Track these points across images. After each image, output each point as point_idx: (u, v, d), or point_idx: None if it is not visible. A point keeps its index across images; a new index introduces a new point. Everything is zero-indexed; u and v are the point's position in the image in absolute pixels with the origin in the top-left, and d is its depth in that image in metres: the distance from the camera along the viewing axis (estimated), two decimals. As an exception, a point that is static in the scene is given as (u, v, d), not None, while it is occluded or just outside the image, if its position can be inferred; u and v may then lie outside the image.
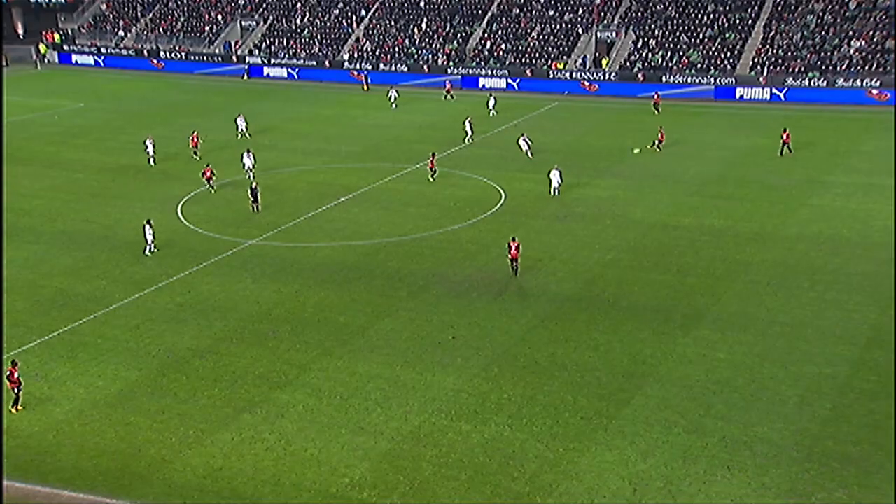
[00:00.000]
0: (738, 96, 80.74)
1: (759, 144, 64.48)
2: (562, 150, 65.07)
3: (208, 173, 55.01)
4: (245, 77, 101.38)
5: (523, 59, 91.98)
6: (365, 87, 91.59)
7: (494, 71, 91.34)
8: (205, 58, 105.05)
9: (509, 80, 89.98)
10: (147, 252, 44.86)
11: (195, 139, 65.01)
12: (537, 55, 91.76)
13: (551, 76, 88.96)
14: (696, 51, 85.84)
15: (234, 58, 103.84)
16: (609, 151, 64.40)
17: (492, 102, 76.94)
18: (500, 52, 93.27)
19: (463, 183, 57.47)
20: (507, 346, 35.24)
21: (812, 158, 60.26)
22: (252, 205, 51.36)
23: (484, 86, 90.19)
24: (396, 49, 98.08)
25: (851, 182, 54.45)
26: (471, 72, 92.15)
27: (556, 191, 52.46)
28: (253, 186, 51.99)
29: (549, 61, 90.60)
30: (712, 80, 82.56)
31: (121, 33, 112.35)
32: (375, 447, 28.88)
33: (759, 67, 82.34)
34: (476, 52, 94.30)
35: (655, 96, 74.75)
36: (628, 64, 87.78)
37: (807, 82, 79.19)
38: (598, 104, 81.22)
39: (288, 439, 29.44)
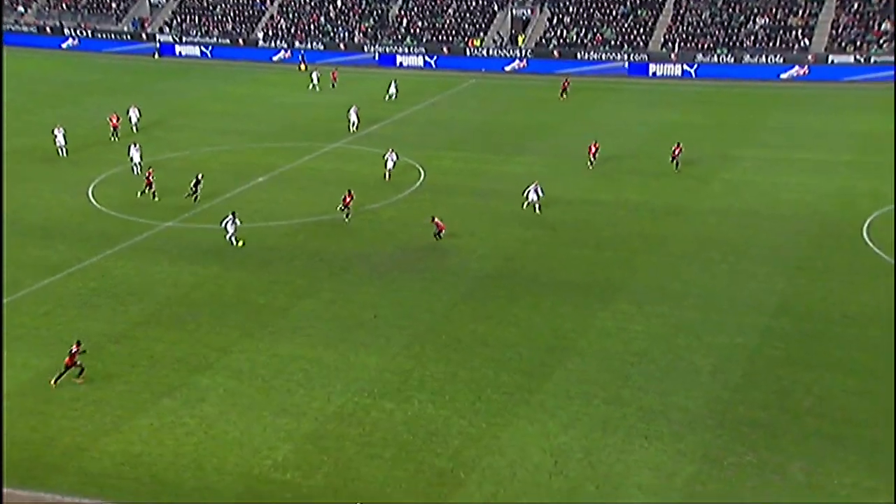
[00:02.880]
0: (650, 73, 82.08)
1: (672, 120, 65.73)
2: (479, 129, 65.34)
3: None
4: (156, 55, 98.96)
5: (440, 37, 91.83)
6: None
7: (411, 49, 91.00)
8: (112, 35, 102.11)
9: (426, 58, 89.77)
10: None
11: (114, 120, 63.06)
12: (454, 32, 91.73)
13: (468, 53, 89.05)
14: (610, 28, 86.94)
15: (144, 36, 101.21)
16: (526, 129, 64.88)
17: (392, 88, 75.87)
18: (417, 30, 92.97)
19: (381, 161, 57.25)
20: (429, 324, 35.37)
21: (722, 133, 61.71)
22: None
23: (401, 63, 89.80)
24: (312, 27, 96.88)
25: (760, 156, 55.97)
26: (388, 50, 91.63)
27: (536, 207, 46.31)
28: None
29: (466, 39, 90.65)
30: (626, 56, 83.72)
31: (20, 9, 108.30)
32: (298, 428, 28.76)
33: (670, 44, 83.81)
34: (393, 29, 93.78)
35: (565, 82, 74.45)
36: (544, 41, 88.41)
37: (716, 58, 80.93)
38: (514, 82, 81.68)
39: (209, 423, 29.09)
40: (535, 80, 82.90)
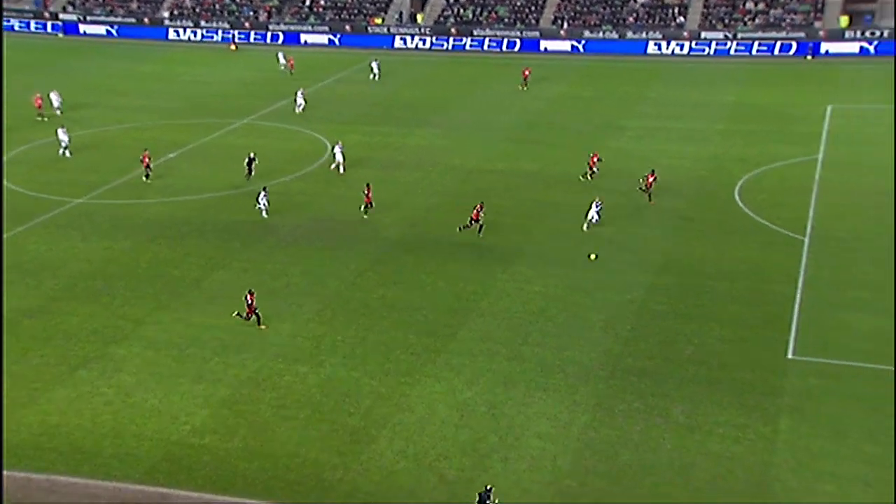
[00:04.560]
0: (542, 48, 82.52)
1: (562, 93, 66.37)
2: (382, 104, 64.77)
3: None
4: (60, 34, 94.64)
5: (342, 16, 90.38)
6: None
7: (315, 27, 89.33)
8: (13, 13, 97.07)
9: (331, 37, 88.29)
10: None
11: (39, 100, 60.12)
12: (356, 11, 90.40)
13: (370, 31, 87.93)
14: (503, 5, 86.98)
15: (47, 14, 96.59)
16: (426, 103, 64.57)
17: (282, 59, 74.86)
18: (320, 9, 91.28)
19: (290, 136, 56.30)
20: (339, 291, 35.11)
21: (608, 105, 62.63)
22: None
23: (306, 42, 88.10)
24: (217, 6, 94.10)
25: (642, 126, 57.04)
26: (292, 28, 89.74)
27: (591, 223, 40.23)
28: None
29: (367, 17, 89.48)
30: (518, 33, 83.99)
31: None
32: (215, 394, 28.27)
33: (559, 21, 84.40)
34: (297, 8, 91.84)
35: (525, 73, 69.26)
36: (442, 19, 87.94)
37: (601, 35, 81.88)
38: (414, 58, 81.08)
39: (127, 392, 28.34)
40: (433, 56, 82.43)
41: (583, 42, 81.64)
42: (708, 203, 43.09)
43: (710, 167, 48.47)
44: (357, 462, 25.16)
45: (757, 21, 78.47)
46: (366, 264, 37.43)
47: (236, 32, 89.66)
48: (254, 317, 32.14)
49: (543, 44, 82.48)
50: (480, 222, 39.57)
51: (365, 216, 41.93)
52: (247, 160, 47.26)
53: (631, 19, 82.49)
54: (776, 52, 75.35)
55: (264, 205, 42.16)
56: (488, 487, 22.39)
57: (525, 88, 65.73)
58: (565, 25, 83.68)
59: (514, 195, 45.35)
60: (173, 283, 35.81)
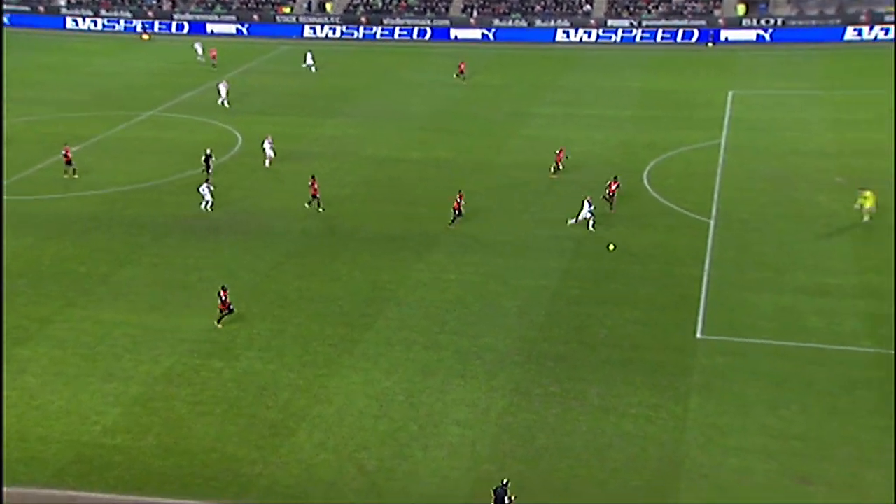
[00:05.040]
0: (452, 37, 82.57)
1: (474, 81, 66.56)
2: (293, 94, 63.88)
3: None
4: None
5: (249, 4, 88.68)
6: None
7: (221, 16, 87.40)
8: None
9: (238, 26, 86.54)
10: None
11: None
12: (264, 0, 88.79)
13: (278, 21, 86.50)
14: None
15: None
16: (338, 92, 63.94)
17: (199, 50, 73.26)
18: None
19: (199, 128, 55.04)
20: (254, 284, 34.53)
21: (519, 92, 63.10)
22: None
23: (212, 31, 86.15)
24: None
25: (553, 113, 57.67)
26: (198, 17, 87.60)
27: (590, 224, 38.78)
28: None
29: (275, 6, 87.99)
30: (429, 21, 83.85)
31: None
32: (127, 392, 27.52)
33: (469, 10, 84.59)
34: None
35: (461, 66, 67.50)
36: (351, 7, 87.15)
37: (511, 23, 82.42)
38: (325, 47, 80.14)
39: (32, 394, 27.34)
40: (344, 45, 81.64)
41: (493, 30, 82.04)
42: (620, 189, 43.79)
43: (619, 153, 49.32)
44: (276, 456, 24.84)
45: (660, 9, 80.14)
46: (281, 256, 36.90)
47: (141, 22, 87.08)
48: (226, 312, 31.19)
49: (454, 32, 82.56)
50: (460, 212, 39.38)
51: (319, 209, 41.27)
52: (203, 157, 45.86)
53: (539, 7, 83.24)
54: (679, 39, 77.12)
55: (209, 198, 41.05)
56: (504, 482, 22.13)
57: (464, 82, 65.04)
58: (475, 14, 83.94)
59: (429, 184, 45.33)
60: (80, 279, 34.66)
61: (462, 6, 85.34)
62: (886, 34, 72.04)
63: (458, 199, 39.45)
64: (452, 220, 39.44)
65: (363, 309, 32.65)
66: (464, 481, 23.87)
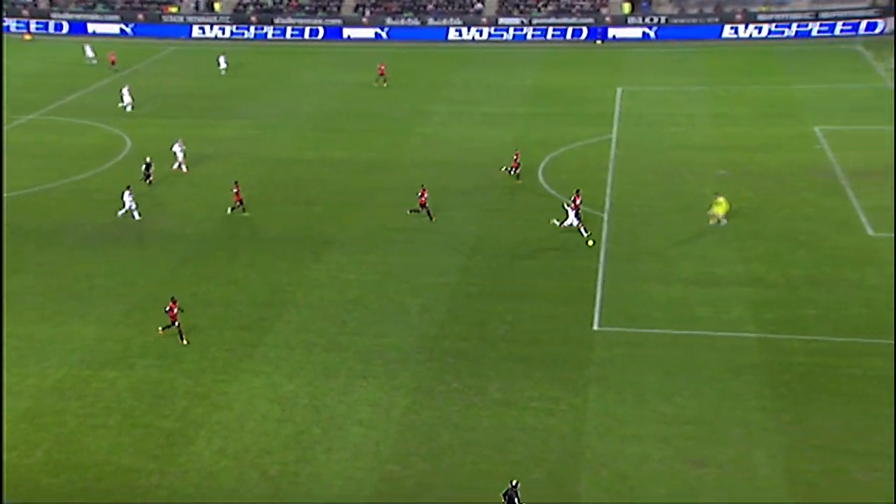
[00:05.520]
0: (345, 36, 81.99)
1: (368, 80, 66.24)
2: (184, 95, 62.28)
3: None
4: None
5: (134, 3, 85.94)
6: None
7: (104, 15, 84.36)
8: None
9: (122, 26, 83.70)
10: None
11: None
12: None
13: (164, 20, 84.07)
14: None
15: None
16: (230, 93, 62.68)
17: (89, 52, 70.65)
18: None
19: (85, 131, 53.06)
20: (148, 290, 33.53)
21: (414, 91, 63.14)
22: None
23: (94, 31, 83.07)
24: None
25: (448, 111, 57.93)
26: (78, 17, 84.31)
27: (582, 230, 37.71)
28: None
29: (161, 5, 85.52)
30: (321, 21, 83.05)
31: None
32: (13, 407, 26.36)
33: (361, 9, 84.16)
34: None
35: (380, 68, 64.99)
36: (241, 6, 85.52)
37: (403, 21, 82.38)
38: (215, 48, 78.39)
39: (-88, 416, 25.85)
40: (235, 45, 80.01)
41: (386, 29, 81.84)
42: (513, 185, 44.36)
43: (514, 149, 49.81)
44: (174, 465, 24.19)
45: (550, 7, 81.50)
46: (175, 262, 35.95)
47: (15, 21, 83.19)
48: (177, 327, 29.93)
49: (347, 31, 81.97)
50: (427, 207, 39.53)
51: (245, 213, 40.37)
52: (143, 165, 44.12)
53: (431, 6, 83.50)
54: (569, 36, 78.56)
55: (132, 205, 39.57)
56: (514, 483, 22.00)
57: (385, 85, 64.15)
58: (367, 13, 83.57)
59: (325, 184, 44.93)
60: (-40, 292, 32.96)
61: (354, 5, 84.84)
62: (759, 32, 75.22)
63: (422, 194, 39.70)
64: (430, 216, 39.75)
65: (262, 312, 32.11)
66: (368, 482, 23.77)
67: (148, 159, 44.52)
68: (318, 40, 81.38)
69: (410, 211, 39.98)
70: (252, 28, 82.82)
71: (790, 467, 23.73)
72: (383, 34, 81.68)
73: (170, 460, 24.36)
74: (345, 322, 31.58)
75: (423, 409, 26.68)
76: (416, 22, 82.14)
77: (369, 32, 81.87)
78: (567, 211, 37.72)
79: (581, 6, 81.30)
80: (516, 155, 44.66)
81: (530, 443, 25.11)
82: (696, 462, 24.10)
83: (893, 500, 22.65)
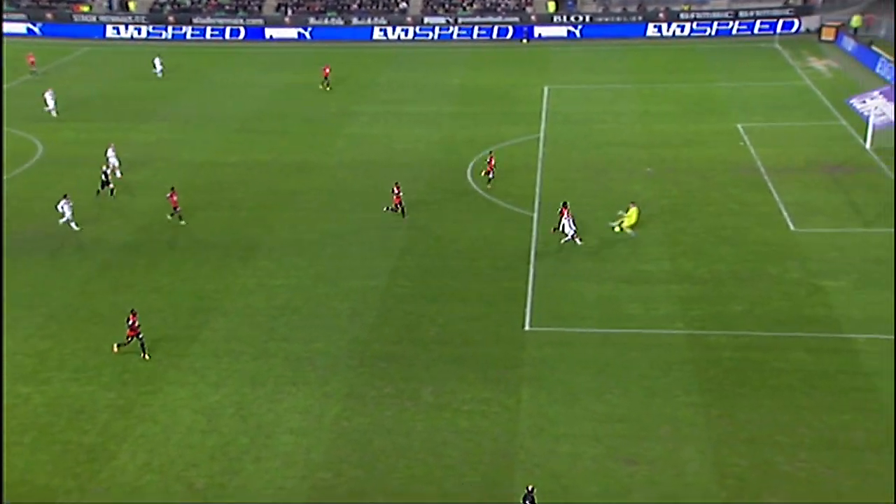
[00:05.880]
0: (267, 36, 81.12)
1: (292, 81, 65.72)
2: (98, 98, 60.82)
3: None
4: None
5: (42, 2, 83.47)
6: None
7: (8, 14, 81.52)
8: None
9: (29, 25, 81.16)
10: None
11: None
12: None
13: (75, 20, 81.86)
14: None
15: None
16: (147, 96, 61.42)
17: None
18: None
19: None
20: (64, 301, 32.66)
21: (341, 91, 62.84)
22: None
23: None
24: None
25: (375, 111, 57.80)
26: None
27: (577, 239, 37.31)
28: None
29: (71, 4, 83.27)
30: (242, 21, 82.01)
31: None
32: (-77, 429, 25.33)
33: (283, 8, 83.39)
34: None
35: (325, 70, 64.07)
36: (157, 6, 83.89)
37: (327, 21, 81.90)
38: (129, 49, 76.80)
39: None
40: (151, 46, 78.42)
41: (309, 29, 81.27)
42: (442, 184, 44.51)
43: (442, 149, 50.08)
44: (95, 482, 23.62)
45: (475, 6, 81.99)
46: (93, 271, 35.09)
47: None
48: (136, 340, 28.93)
49: (269, 31, 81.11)
50: (403, 205, 39.63)
51: (181, 222, 39.61)
52: (102, 174, 42.72)
53: (355, 6, 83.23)
54: (495, 35, 79.15)
55: (69, 215, 38.39)
56: (530, 488, 21.92)
57: (328, 88, 62.82)
58: (290, 13, 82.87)
59: (250, 187, 44.39)
60: None
61: (276, 5, 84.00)
62: (682, 31, 76.97)
63: (396, 192, 39.83)
64: (403, 214, 39.82)
65: (187, 321, 31.56)
66: (298, 490, 23.58)
67: (105, 168, 43.35)
68: (239, 41, 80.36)
69: (386, 209, 40.25)
70: (170, 28, 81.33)
71: (719, 462, 24.33)
72: (307, 34, 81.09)
73: (91, 477, 23.77)
74: (273, 328, 31.25)
75: (354, 414, 26.57)
76: (340, 22, 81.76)
77: (292, 32, 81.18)
78: (560, 218, 37.29)
79: (506, 5, 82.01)
80: (490, 157, 44.45)
81: (464, 446, 25.21)
82: (627, 460, 24.52)
83: (894, 500, 23.12)
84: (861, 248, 36.05)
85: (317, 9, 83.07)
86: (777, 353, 29.15)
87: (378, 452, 24.98)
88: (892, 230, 37.38)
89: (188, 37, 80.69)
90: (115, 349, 29.32)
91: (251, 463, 24.46)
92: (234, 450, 24.95)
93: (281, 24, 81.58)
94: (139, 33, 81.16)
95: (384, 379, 28.33)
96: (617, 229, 36.85)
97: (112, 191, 42.50)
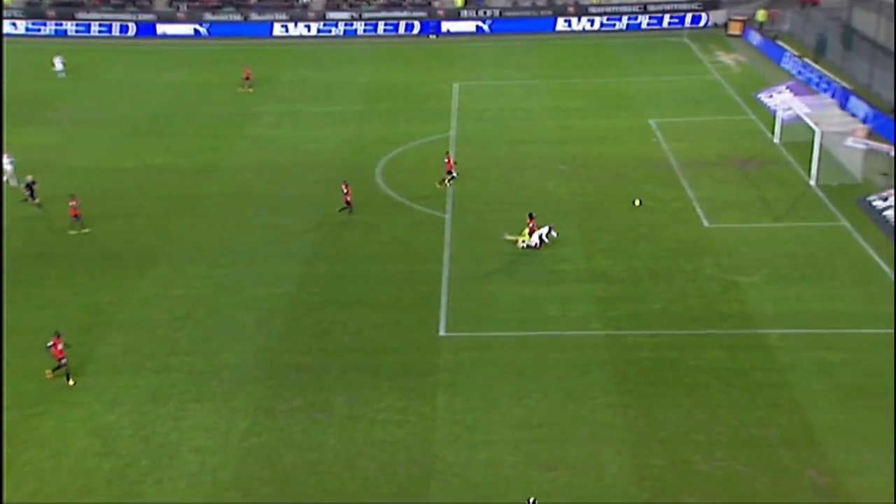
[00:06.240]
0: (160, 33, 79.29)
1: (188, 80, 64.47)
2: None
3: None
4: None
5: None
6: None
7: None
8: None
9: None
10: None
11: None
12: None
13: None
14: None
15: None
16: (31, 97, 59.35)
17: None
18: None
19: None
20: (-58, 320, 31.24)
21: (240, 91, 61.89)
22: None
23: None
24: None
25: (278, 111, 57.15)
26: None
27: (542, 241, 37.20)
28: None
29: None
30: (132, 16, 79.98)
31: None
32: None
33: (177, 4, 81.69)
34: None
35: (246, 72, 62.08)
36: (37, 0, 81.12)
37: (224, 17, 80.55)
38: (7, 45, 74.04)
39: None
40: (30, 43, 75.74)
41: (206, 25, 79.81)
42: (352, 187, 44.23)
43: (350, 149, 49.83)
44: (-20, 517, 22.65)
45: (380, 1, 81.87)
46: (-26, 285, 33.69)
47: None
48: (64, 366, 27.78)
49: (161, 28, 79.28)
50: (348, 203, 40.16)
51: (82, 231, 38.38)
52: (25, 184, 40.92)
53: (254, 0, 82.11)
54: (401, 31, 79.18)
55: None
56: (532, 501, 21.78)
57: (251, 90, 60.95)
58: (184, 8, 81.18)
59: (147, 193, 43.38)
60: None
61: (169, 0, 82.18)
62: (592, 25, 78.45)
63: (345, 190, 39.95)
64: (349, 211, 40.35)
65: (81, 336, 30.58)
66: (207, 513, 23.09)
67: (30, 178, 41.55)
68: (129, 37, 78.38)
69: (340, 210, 40.22)
70: (51, 24, 78.69)
71: (638, 463, 24.82)
72: (203, 31, 79.60)
73: (-25, 509, 22.81)
74: (175, 341, 30.57)
75: (264, 430, 26.18)
76: (239, 17, 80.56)
77: (187, 29, 79.54)
78: (531, 235, 37.03)
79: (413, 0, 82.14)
80: (448, 158, 44.20)
81: (379, 457, 25.10)
82: (547, 465, 24.79)
83: (894, 500, 23.59)
84: (772, 243, 37.31)
85: (213, 4, 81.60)
86: (693, 352, 29.92)
87: (289, 468, 24.67)
88: (801, 224, 38.84)
89: (71, 33, 78.24)
90: (50, 375, 28.33)
91: (153, 486, 23.85)
92: (134, 473, 24.29)
93: (174, 20, 79.87)
94: (15, 28, 78.16)
95: (294, 391, 28.00)
96: (520, 244, 37.08)
97: (38, 203, 41.09)
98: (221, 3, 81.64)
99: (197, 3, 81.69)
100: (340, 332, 31.35)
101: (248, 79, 61.80)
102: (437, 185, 43.45)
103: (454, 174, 43.84)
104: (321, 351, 30.25)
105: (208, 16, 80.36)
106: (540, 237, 37.07)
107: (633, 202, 40.92)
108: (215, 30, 79.63)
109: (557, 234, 37.42)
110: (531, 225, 37.36)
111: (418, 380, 28.57)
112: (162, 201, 42.35)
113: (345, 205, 40.48)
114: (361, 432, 26.11)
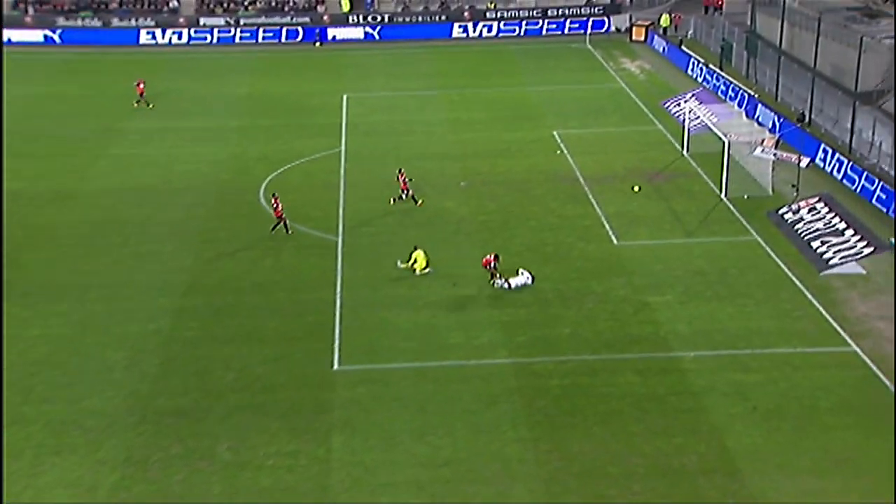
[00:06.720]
0: (3, 39, 76.91)
1: (39, 93, 62.88)
2: None
3: None
4: None
5: None
6: None
7: None
8: None
9: None
10: None
11: None
12: None
13: None
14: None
15: None
16: None
17: None
18: None
19: None
20: None
21: (101, 105, 60.72)
22: None
23: None
24: None
25: (146, 127, 56.24)
26: None
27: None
28: None
29: None
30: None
31: None
32: None
33: (23, 6, 79.50)
34: None
35: (139, 86, 60.45)
36: None
37: (81, 23, 78.84)
38: None
39: None
40: None
41: (58, 31, 77.89)
42: (232, 209, 43.87)
43: (230, 169, 49.39)
44: None
45: (259, 5, 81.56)
46: None
47: None
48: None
49: (6, 34, 76.90)
50: (282, 219, 40.36)
51: None
52: None
53: (115, 4, 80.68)
54: (284, 38, 79.00)
55: None
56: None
57: (150, 106, 59.57)
58: (31, 11, 79.05)
59: (-5, 221, 42.06)
60: None
61: (13, 2, 79.89)
62: (490, 31, 79.92)
63: (275, 203, 39.89)
64: (274, 228, 40.68)
65: (-81, 387, 29.41)
66: (74, 580, 22.43)
67: None
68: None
69: (273, 229, 40.52)
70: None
71: (551, 501, 25.18)
72: (55, 37, 77.62)
73: None
74: (30, 388, 29.67)
75: (135, 483, 25.61)
76: (98, 23, 79.02)
77: (36, 35, 77.40)
78: (518, 272, 36.56)
79: (295, 4, 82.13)
80: (400, 176, 44.11)
81: (269, 507, 24.88)
82: (455, 506, 24.97)
83: (894, 500, 24.45)
84: (684, 260, 38.57)
85: (67, 7, 79.71)
86: (606, 377, 30.63)
87: (168, 525, 24.22)
88: (713, 239, 40.32)
89: None
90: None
91: (10, 552, 23.07)
92: (-12, 539, 23.45)
93: (21, 26, 77.58)
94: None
95: (171, 437, 27.49)
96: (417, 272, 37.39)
97: None
98: (76, 7, 79.79)
99: (48, 7, 79.61)
100: (223, 371, 30.96)
101: (142, 95, 60.15)
102: (391, 202, 43.96)
103: (410, 191, 43.98)
104: (201, 392, 29.80)
105: (61, 20, 78.48)
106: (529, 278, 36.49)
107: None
108: (69, 36, 77.72)
109: (530, 278, 36.58)
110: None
111: (311, 419, 28.42)
112: (12, 231, 41.08)
113: (277, 220, 40.39)
114: (248, 480, 25.80)
